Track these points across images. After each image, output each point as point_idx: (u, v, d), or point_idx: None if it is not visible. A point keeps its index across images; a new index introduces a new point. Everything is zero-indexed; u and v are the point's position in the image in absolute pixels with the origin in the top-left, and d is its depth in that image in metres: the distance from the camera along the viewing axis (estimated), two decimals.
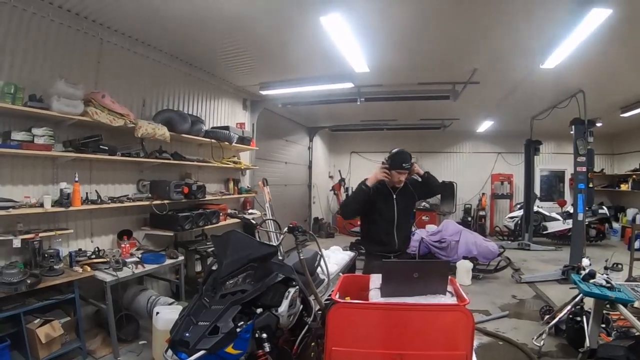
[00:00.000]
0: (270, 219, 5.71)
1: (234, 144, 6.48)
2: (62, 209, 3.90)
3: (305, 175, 12.42)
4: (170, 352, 2.39)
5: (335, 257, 4.64)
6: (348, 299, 2.68)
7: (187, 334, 2.36)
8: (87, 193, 4.37)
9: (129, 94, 5.08)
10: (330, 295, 3.46)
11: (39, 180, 4.04)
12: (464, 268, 6.92)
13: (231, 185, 7.03)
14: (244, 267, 2.72)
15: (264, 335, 2.56)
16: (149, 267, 4.42)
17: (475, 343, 3.61)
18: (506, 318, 5.31)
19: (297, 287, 2.99)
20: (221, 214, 5.92)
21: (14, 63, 3.77)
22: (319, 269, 3.83)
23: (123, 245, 4.51)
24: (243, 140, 6.90)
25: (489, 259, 7.34)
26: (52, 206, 3.84)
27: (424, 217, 12.12)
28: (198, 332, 2.35)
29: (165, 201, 5.05)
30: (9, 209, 3.50)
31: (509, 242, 10.79)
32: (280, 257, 3.35)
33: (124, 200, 4.71)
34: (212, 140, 6.07)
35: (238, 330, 2.42)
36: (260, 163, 8.33)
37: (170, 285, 5.52)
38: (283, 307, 2.79)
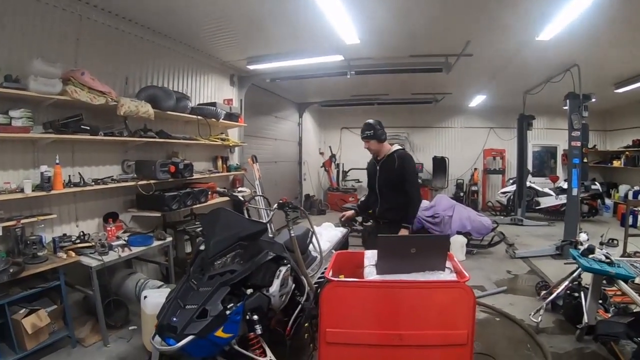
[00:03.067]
0: (259, 196, 5.58)
1: (221, 120, 6.30)
2: (44, 193, 3.74)
3: (296, 151, 12.27)
4: (157, 338, 2.29)
5: (327, 234, 4.54)
6: (342, 277, 2.59)
7: (174, 319, 2.26)
8: (69, 176, 4.19)
9: (111, 72, 4.84)
10: (323, 273, 3.38)
11: (19, 164, 3.85)
12: (458, 243, 6.90)
13: (219, 163, 6.89)
14: (232, 246, 2.62)
15: (255, 317, 2.47)
16: (136, 249, 4.29)
17: None
18: (502, 294, 5.28)
19: (289, 265, 2.90)
20: (210, 193, 5.76)
21: None
22: (310, 246, 3.74)
23: (109, 229, 4.37)
24: (231, 116, 6.71)
25: (483, 234, 7.32)
26: (33, 191, 3.69)
27: None
28: (186, 316, 2.26)
29: (152, 181, 4.87)
30: None
31: (502, 217, 10.83)
32: (270, 235, 3.25)
33: (109, 182, 4.54)
34: (199, 117, 5.88)
35: (228, 312, 2.33)
36: (249, 140, 8.15)
37: (159, 268, 5.41)
38: (274, 287, 2.70)
